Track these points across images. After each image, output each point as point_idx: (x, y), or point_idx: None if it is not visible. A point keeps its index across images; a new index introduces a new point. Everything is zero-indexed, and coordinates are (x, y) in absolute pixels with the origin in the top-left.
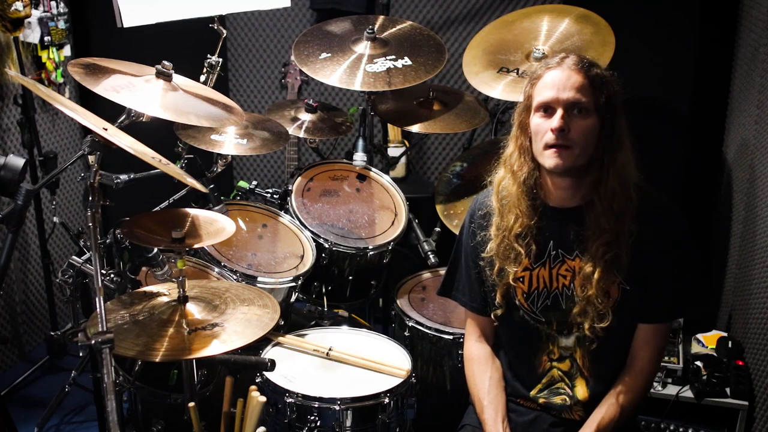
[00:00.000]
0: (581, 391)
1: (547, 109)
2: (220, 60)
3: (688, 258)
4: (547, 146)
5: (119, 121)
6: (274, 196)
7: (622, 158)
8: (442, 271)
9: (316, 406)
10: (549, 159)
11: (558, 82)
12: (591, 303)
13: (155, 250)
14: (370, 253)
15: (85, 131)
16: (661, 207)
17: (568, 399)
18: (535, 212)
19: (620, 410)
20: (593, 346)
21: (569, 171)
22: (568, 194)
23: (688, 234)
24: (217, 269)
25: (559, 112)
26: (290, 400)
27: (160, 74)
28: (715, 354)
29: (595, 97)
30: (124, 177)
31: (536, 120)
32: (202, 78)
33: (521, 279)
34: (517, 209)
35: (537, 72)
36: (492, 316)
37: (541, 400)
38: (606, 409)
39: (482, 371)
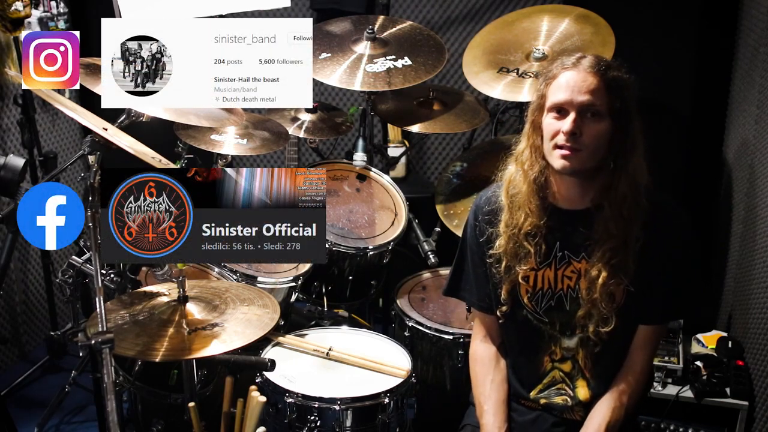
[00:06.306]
0: (582, 392)
1: (561, 110)
2: None
3: (691, 260)
4: (557, 147)
5: (119, 121)
6: None
7: (634, 163)
8: (442, 271)
9: (316, 406)
10: (557, 160)
11: (573, 84)
12: (596, 306)
13: None
14: (370, 253)
15: (85, 131)
16: (670, 213)
17: (569, 399)
18: (544, 212)
19: (624, 411)
20: (596, 349)
21: (577, 173)
22: (577, 196)
23: (691, 236)
24: (217, 269)
25: (572, 115)
26: (290, 400)
27: None
28: (715, 354)
29: (609, 100)
30: None
31: (549, 120)
32: None
33: (526, 279)
34: (527, 208)
35: (552, 71)
36: (498, 313)
37: (542, 401)
38: (610, 411)
39: (485, 373)
